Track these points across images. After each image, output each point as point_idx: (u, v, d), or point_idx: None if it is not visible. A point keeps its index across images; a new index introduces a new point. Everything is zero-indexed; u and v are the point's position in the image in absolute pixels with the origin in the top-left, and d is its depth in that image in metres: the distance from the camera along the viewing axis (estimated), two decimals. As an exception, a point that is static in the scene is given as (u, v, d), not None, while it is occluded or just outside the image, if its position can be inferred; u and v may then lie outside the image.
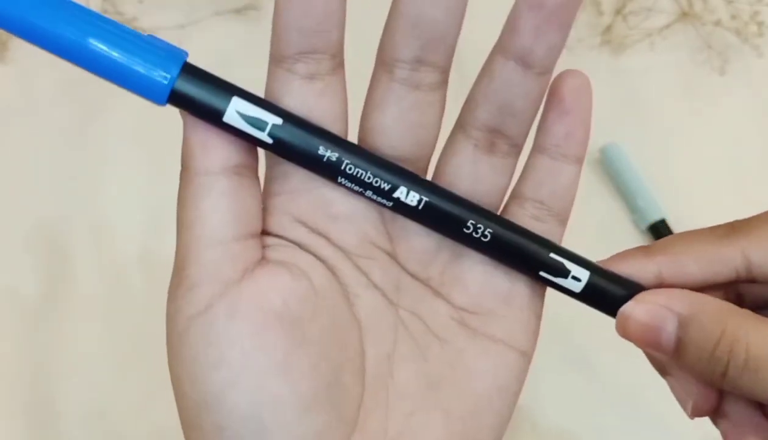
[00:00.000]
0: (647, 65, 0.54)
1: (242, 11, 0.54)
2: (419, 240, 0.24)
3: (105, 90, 0.50)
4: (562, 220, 0.24)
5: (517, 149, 0.24)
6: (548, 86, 0.23)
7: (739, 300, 0.24)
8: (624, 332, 0.22)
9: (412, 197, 0.22)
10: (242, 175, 0.22)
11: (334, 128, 0.22)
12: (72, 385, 0.45)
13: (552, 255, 0.23)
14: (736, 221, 0.23)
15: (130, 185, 0.50)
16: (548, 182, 0.24)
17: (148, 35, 0.21)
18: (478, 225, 0.23)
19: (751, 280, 0.23)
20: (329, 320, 0.22)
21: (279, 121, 0.21)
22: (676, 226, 0.48)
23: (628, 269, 0.23)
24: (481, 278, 0.24)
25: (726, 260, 0.22)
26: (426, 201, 0.22)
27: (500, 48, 0.23)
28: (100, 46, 0.20)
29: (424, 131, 0.23)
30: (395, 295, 0.24)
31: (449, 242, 0.24)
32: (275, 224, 0.23)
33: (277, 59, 0.22)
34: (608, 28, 0.54)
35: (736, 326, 0.21)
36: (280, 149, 0.22)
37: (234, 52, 0.53)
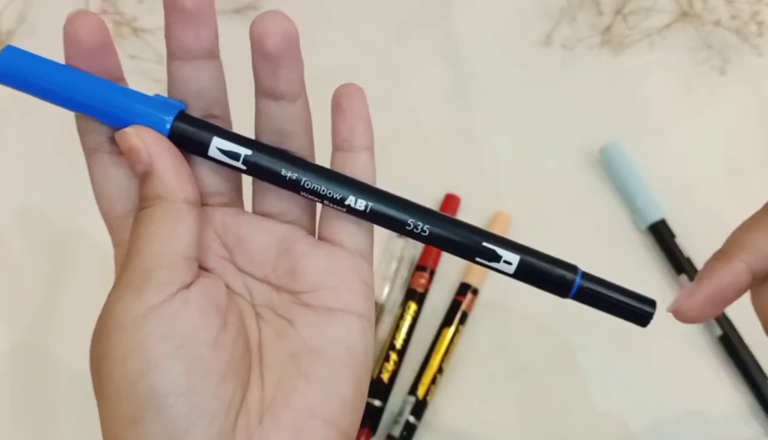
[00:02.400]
0: (647, 65, 0.54)
1: (242, 11, 0.54)
2: (252, 245, 0.29)
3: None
4: None
5: (309, 157, 0.29)
6: (306, 105, 0.28)
7: None
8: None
9: (360, 204, 0.27)
10: (198, 208, 0.27)
11: None
12: (72, 382, 0.45)
13: (484, 244, 0.27)
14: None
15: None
16: (348, 169, 0.28)
17: (157, 95, 0.27)
18: (417, 223, 0.27)
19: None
20: (238, 311, 0.28)
21: (249, 152, 0.27)
22: (676, 226, 0.48)
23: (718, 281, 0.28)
24: (305, 263, 0.28)
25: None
26: (371, 206, 0.27)
27: (257, 92, 0.28)
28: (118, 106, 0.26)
29: None
30: (249, 296, 0.29)
31: (274, 241, 0.29)
32: None
33: None
34: (608, 28, 0.54)
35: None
36: (252, 172, 0.27)
37: (234, 51, 0.52)
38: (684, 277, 0.47)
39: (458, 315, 0.46)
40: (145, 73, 0.50)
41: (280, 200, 0.29)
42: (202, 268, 0.28)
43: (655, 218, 0.48)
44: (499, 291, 0.47)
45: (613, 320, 0.29)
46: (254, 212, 0.30)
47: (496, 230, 0.48)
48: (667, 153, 0.51)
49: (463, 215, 0.49)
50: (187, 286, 0.26)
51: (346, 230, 0.29)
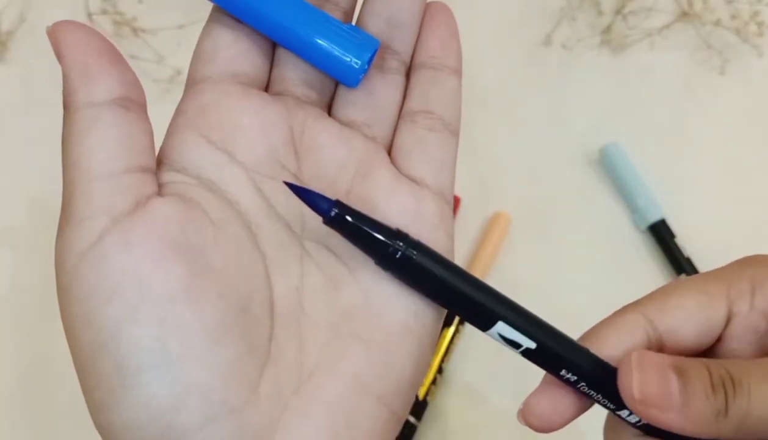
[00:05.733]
0: (647, 65, 0.54)
1: None
2: (328, 157, 0.24)
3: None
4: (453, 131, 0.25)
5: (405, 66, 0.25)
6: (423, 7, 0.25)
7: None
8: (643, 400, 0.21)
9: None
10: (128, 109, 0.21)
11: None
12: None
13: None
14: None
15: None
16: (434, 90, 0.25)
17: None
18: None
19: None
20: (232, 250, 0.21)
21: (533, 345, 0.23)
22: (676, 226, 0.48)
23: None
24: (386, 199, 0.23)
25: (632, 325, 0.23)
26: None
27: None
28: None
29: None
30: (299, 225, 0.23)
31: (354, 158, 0.24)
32: (177, 144, 0.22)
33: None
34: (608, 28, 0.54)
35: (716, 363, 0.21)
36: (532, 360, 0.23)
37: None
38: (684, 277, 0.47)
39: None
40: (145, 73, 0.50)
41: (368, 108, 0.24)
42: (259, 172, 0.22)
43: (655, 218, 0.48)
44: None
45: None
46: (336, 116, 0.25)
47: (496, 230, 0.48)
48: (667, 153, 0.51)
49: (463, 215, 0.49)
50: (130, 213, 0.19)
51: (434, 167, 0.24)
